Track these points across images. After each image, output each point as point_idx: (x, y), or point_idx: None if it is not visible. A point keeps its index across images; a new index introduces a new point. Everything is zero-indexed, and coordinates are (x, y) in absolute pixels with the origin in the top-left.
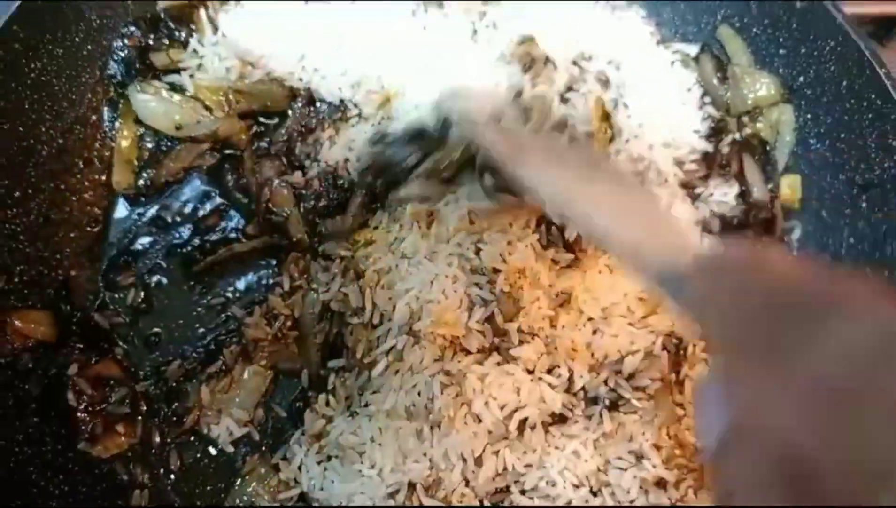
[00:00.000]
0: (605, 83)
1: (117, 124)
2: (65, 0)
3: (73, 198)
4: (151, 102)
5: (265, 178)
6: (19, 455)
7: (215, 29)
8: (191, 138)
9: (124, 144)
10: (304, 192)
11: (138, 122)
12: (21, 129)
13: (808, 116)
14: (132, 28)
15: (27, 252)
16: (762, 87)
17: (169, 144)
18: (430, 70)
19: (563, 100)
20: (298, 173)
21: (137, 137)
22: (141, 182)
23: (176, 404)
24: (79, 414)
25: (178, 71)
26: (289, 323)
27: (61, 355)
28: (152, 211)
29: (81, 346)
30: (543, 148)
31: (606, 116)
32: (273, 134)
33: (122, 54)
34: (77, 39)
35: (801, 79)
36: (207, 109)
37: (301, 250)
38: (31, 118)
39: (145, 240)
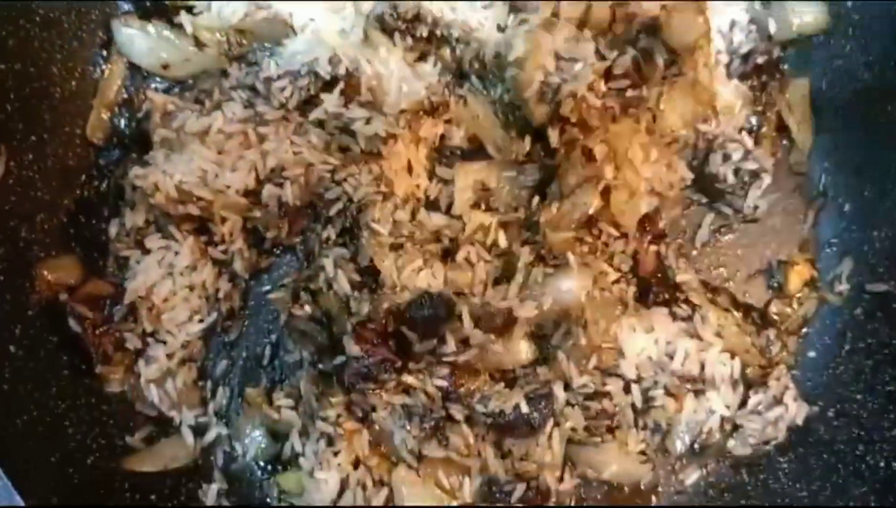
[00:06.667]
0: None
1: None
2: None
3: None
4: (136, 38)
5: None
6: (55, 410)
7: None
8: (177, 81)
9: (109, 89)
10: None
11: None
12: (32, 69)
13: (856, 44)
14: None
15: (46, 200)
16: (808, 13)
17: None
18: None
19: None
20: None
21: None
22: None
23: None
24: (88, 337)
25: (188, 10)
26: None
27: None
28: None
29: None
30: None
31: None
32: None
33: None
34: None
35: (850, 3)
36: (199, 45)
37: None
38: (42, 58)
39: None
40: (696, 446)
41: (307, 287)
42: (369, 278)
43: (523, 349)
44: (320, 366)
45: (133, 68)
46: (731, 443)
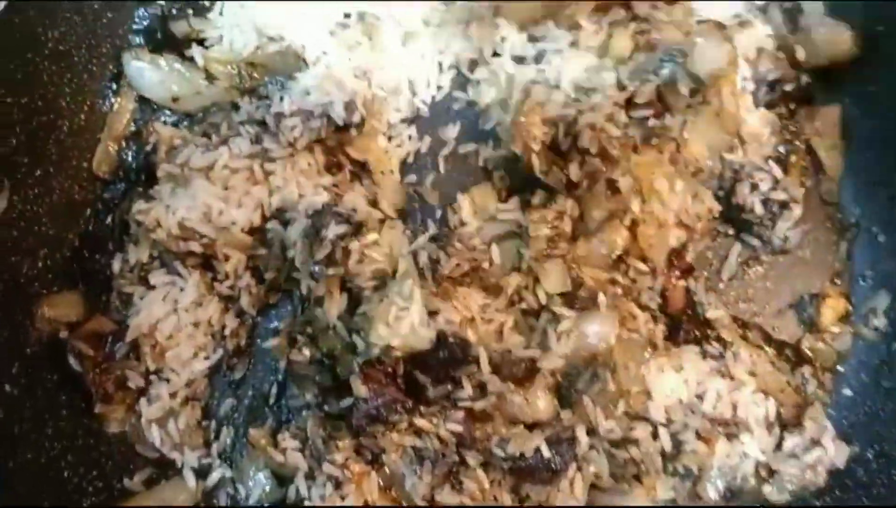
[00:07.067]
0: None
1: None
2: None
3: None
4: (147, 71)
5: None
6: (51, 451)
7: None
8: (188, 114)
9: (117, 122)
10: None
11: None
12: (40, 102)
13: (887, 70)
14: None
15: (50, 234)
16: (837, 40)
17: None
18: None
19: None
20: None
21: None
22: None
23: None
24: (89, 375)
25: (199, 42)
26: None
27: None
28: None
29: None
30: None
31: None
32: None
33: (145, 24)
34: (96, 7)
35: (882, 28)
36: (209, 78)
37: None
38: (51, 91)
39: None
40: (729, 493)
41: (304, 331)
42: None
43: (542, 404)
44: (326, 408)
45: (143, 101)
46: (766, 489)
